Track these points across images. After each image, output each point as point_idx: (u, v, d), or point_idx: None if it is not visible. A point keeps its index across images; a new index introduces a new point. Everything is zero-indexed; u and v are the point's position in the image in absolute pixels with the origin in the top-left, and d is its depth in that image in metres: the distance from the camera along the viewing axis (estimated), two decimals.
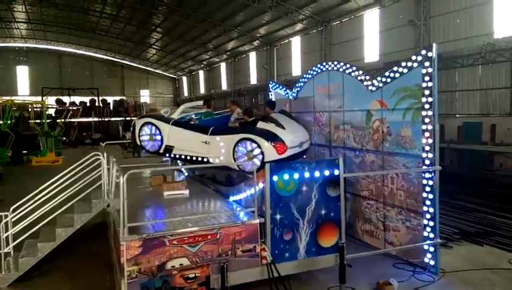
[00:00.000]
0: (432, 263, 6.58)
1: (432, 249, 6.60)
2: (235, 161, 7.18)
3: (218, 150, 7.58)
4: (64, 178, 7.42)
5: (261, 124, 7.43)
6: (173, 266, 4.92)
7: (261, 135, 7.17)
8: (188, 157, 7.97)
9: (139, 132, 8.30)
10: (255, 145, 7.14)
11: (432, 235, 6.54)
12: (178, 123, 8.13)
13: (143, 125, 8.29)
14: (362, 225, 8.15)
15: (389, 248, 7.32)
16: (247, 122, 7.78)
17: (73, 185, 7.56)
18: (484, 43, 15.01)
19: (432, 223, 6.54)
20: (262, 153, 7.11)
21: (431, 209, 6.53)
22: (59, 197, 7.31)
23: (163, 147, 8.13)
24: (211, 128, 7.75)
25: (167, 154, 8.31)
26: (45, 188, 7.32)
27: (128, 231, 4.84)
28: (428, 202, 6.56)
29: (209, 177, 8.67)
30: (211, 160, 7.61)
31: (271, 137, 7.17)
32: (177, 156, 8.15)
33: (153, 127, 8.19)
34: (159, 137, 8.16)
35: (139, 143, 8.44)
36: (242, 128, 7.55)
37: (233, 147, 7.31)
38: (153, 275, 4.81)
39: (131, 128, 8.80)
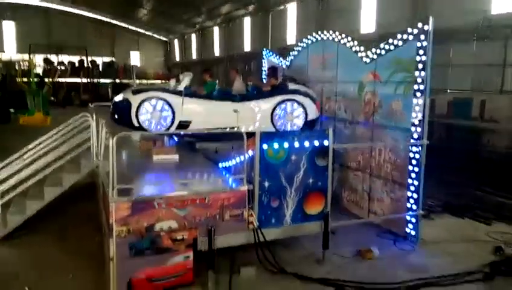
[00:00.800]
0: (413, 233, 6.81)
1: (413, 219, 6.80)
2: (273, 124, 7.05)
3: (251, 116, 7.25)
4: (53, 138, 7.38)
5: (292, 85, 7.44)
6: (161, 228, 5.00)
7: (302, 95, 7.19)
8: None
9: (137, 111, 6.98)
10: (296, 105, 7.13)
11: (414, 207, 6.73)
12: (193, 94, 7.27)
13: (142, 101, 7.01)
14: (348, 195, 8.32)
15: (373, 217, 7.52)
16: (276, 84, 7.75)
17: (62, 145, 7.54)
18: (480, 19, 14.86)
19: (415, 195, 6.71)
20: (305, 112, 7.16)
21: (415, 182, 6.68)
22: (48, 157, 7.29)
23: (175, 123, 7.11)
24: (237, 95, 7.33)
25: (181, 132, 7.38)
26: (33, 147, 7.29)
27: (117, 192, 4.88)
28: (413, 175, 6.70)
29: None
30: (242, 129, 6.93)
31: (310, 96, 7.24)
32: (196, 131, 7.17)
33: (160, 102, 7.01)
34: (168, 113, 7.01)
35: (136, 124, 7.05)
36: (276, 91, 7.43)
37: (272, 110, 7.15)
38: (142, 235, 4.89)
39: (116, 107, 7.19)
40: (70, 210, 8.00)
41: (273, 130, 7.34)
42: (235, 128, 7.12)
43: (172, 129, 7.22)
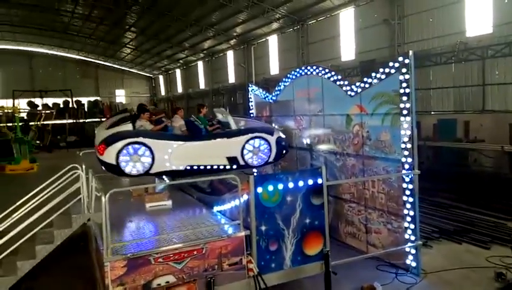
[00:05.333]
0: (414, 264, 6.75)
1: (413, 251, 6.75)
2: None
3: None
4: (42, 193, 7.20)
5: None
6: (159, 284, 4.86)
7: None
8: None
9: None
10: None
11: (412, 238, 6.70)
12: None
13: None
14: (345, 227, 8.26)
15: (372, 249, 7.45)
16: None
17: (52, 199, 7.34)
18: (457, 42, 15.38)
19: (412, 226, 6.70)
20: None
21: (411, 212, 6.68)
22: (37, 213, 7.08)
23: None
24: None
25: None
26: (22, 204, 7.10)
27: (111, 250, 4.74)
28: (408, 205, 6.71)
29: (192, 185, 8.27)
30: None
31: None
32: None
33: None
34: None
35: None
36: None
37: None
38: None
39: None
40: (62, 263, 7.72)
41: None
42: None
43: None
